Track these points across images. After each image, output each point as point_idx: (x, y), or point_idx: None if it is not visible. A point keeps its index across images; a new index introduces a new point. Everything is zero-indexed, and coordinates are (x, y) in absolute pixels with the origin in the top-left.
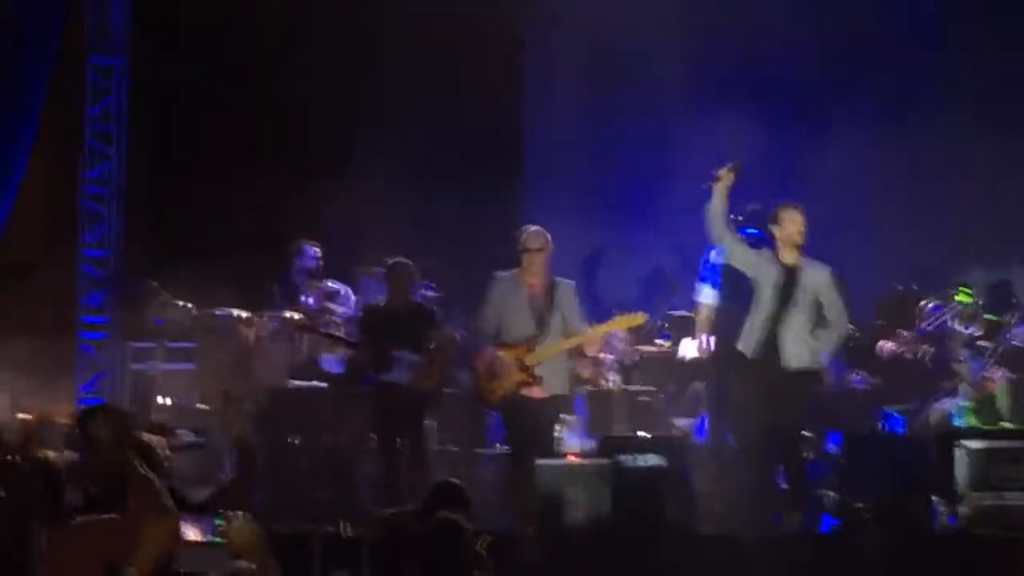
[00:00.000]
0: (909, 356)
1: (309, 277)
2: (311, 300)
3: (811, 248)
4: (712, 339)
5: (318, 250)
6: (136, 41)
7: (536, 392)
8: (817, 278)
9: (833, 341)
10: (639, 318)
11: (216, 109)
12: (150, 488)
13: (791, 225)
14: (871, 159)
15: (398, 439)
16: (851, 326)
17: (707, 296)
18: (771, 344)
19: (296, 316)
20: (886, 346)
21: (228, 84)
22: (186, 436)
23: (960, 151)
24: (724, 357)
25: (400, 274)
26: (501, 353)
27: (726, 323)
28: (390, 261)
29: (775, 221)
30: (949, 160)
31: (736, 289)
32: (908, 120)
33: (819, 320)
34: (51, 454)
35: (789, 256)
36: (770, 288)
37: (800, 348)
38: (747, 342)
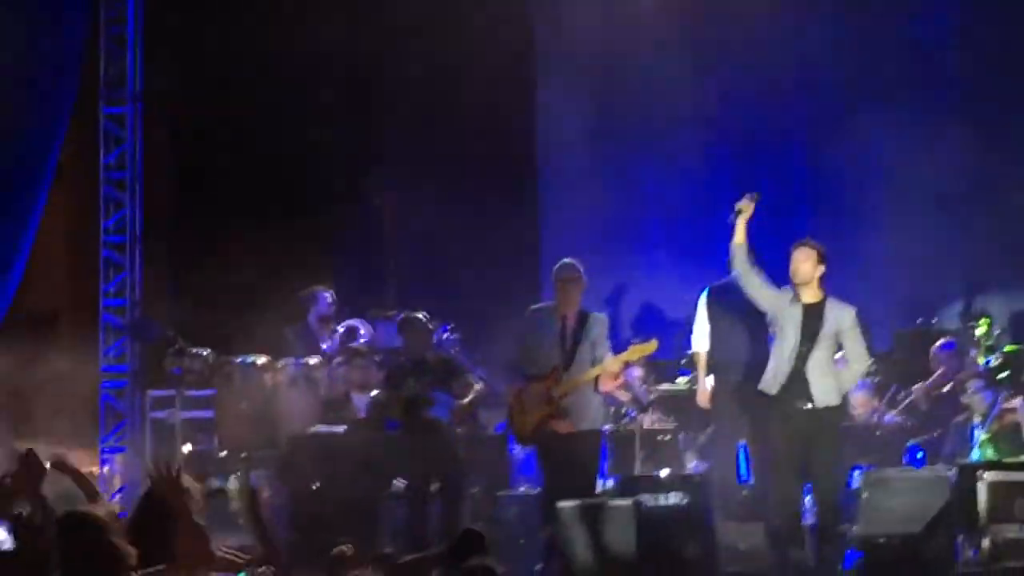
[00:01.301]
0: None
1: (325, 322)
2: (328, 345)
3: (829, 280)
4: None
5: (332, 295)
6: (151, 88)
7: (564, 426)
8: (840, 318)
9: (853, 380)
10: (651, 346)
11: (232, 153)
12: (203, 537)
13: (792, 263)
14: (889, 188)
15: (432, 482)
16: (871, 362)
17: (700, 343)
18: (798, 382)
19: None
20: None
21: (243, 127)
22: (210, 482)
23: (980, 176)
24: (734, 398)
25: (415, 330)
26: (531, 385)
27: (723, 366)
28: (403, 316)
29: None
30: (967, 186)
31: (730, 329)
32: (927, 146)
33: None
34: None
35: (808, 295)
36: (792, 328)
37: (826, 385)
38: (770, 382)
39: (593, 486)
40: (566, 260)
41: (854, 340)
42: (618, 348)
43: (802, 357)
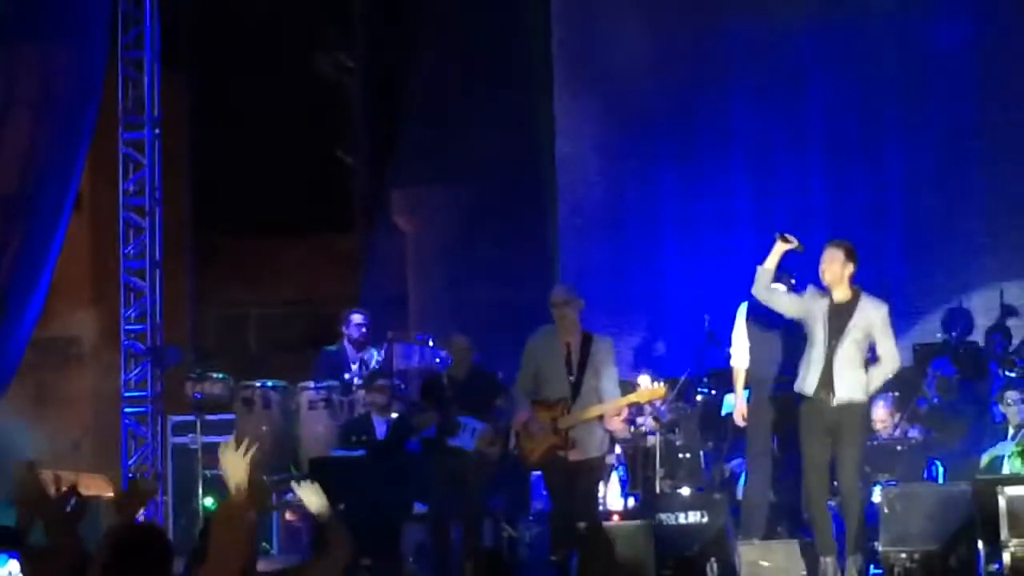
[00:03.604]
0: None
1: (357, 347)
2: (353, 374)
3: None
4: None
5: (363, 317)
6: (169, 112)
7: (572, 454)
8: (871, 314)
9: (882, 378)
10: (660, 391)
11: (252, 177)
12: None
13: (823, 264)
14: (909, 198)
15: (454, 507)
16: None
17: (740, 359)
18: (827, 380)
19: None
20: None
21: (263, 150)
22: None
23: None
24: (770, 414)
25: (461, 348)
26: (537, 413)
27: (760, 381)
28: (453, 337)
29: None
30: (988, 196)
31: (767, 344)
32: (945, 158)
33: (870, 357)
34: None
35: (839, 294)
36: (819, 325)
37: (851, 380)
38: (805, 382)
39: (597, 511)
40: (559, 284)
41: (885, 337)
42: (631, 365)
43: (830, 353)
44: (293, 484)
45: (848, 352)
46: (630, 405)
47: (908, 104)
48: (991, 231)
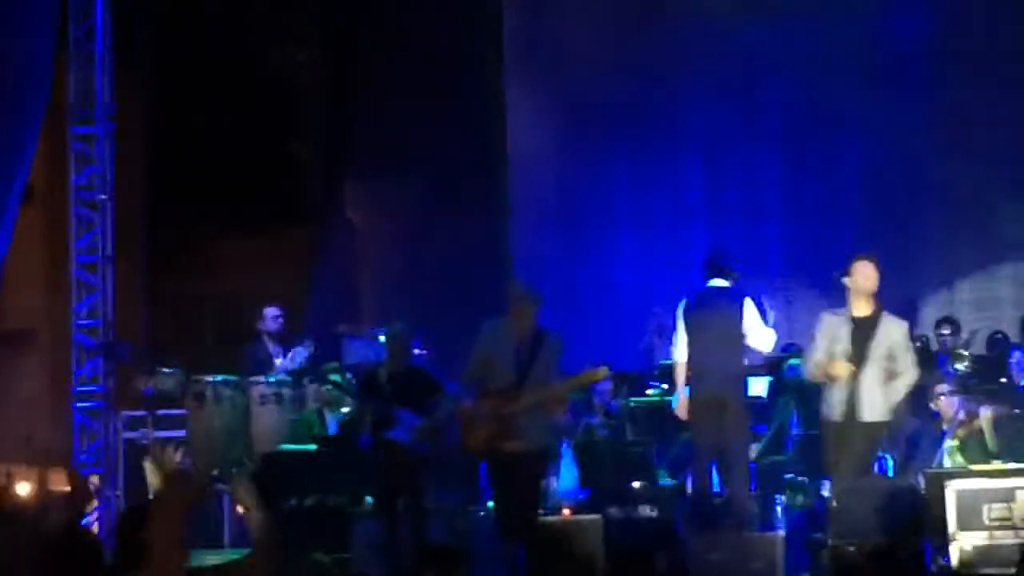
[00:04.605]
0: None
1: (277, 339)
2: (282, 362)
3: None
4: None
5: (277, 310)
6: (122, 104)
7: (511, 445)
8: (893, 333)
9: (903, 391)
10: (601, 372)
11: (205, 168)
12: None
13: (862, 278)
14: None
15: (399, 499)
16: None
17: (679, 354)
18: (851, 401)
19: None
20: None
21: (217, 141)
22: None
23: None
24: (710, 408)
25: (399, 338)
26: (481, 402)
27: (699, 376)
28: (391, 326)
29: (849, 273)
30: (942, 187)
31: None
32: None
33: (890, 373)
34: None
35: (863, 308)
36: (841, 346)
37: (875, 400)
38: (832, 405)
39: (539, 503)
40: (519, 281)
41: (905, 352)
42: (583, 358)
43: (855, 373)
44: (230, 480)
45: (873, 373)
46: (572, 388)
47: (861, 98)
48: (945, 225)
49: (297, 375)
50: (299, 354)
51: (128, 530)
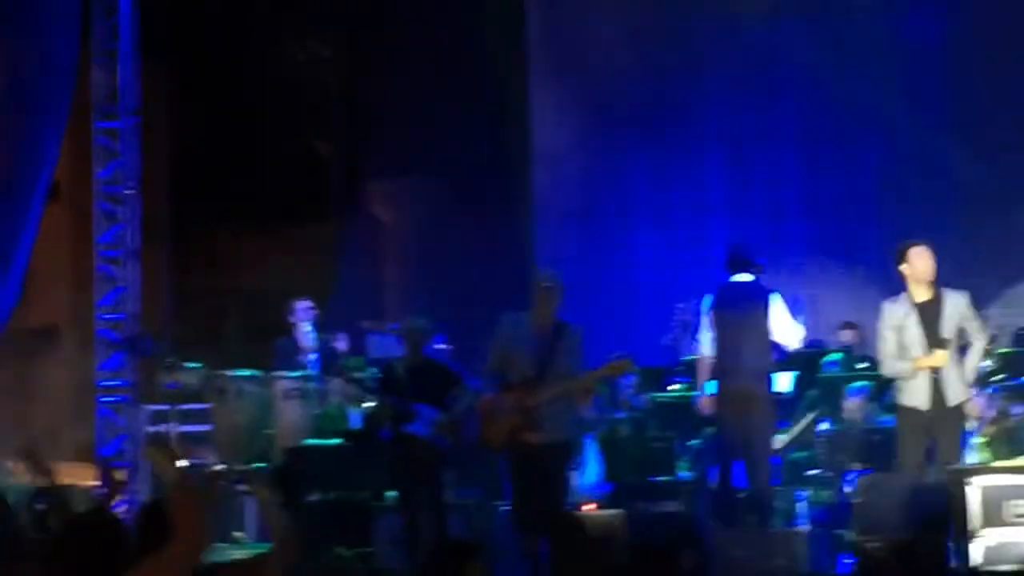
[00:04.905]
0: None
1: (308, 332)
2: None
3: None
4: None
5: (309, 305)
6: (147, 99)
7: (534, 437)
8: (959, 304)
9: (977, 359)
10: (627, 364)
11: (230, 164)
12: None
13: (920, 263)
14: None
15: (419, 493)
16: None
17: (704, 350)
18: (936, 387)
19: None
20: None
21: (241, 137)
22: None
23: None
24: (735, 404)
25: (417, 333)
26: (503, 395)
27: (725, 371)
28: (407, 321)
29: (904, 260)
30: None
31: (732, 334)
32: (919, 151)
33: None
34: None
35: (923, 292)
36: (911, 332)
37: (956, 383)
38: (915, 394)
39: (563, 497)
40: (544, 270)
41: (972, 320)
42: (605, 355)
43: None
44: (252, 475)
45: (950, 355)
46: (598, 380)
47: (882, 96)
48: (967, 222)
49: (321, 370)
50: (337, 345)
51: (151, 515)
